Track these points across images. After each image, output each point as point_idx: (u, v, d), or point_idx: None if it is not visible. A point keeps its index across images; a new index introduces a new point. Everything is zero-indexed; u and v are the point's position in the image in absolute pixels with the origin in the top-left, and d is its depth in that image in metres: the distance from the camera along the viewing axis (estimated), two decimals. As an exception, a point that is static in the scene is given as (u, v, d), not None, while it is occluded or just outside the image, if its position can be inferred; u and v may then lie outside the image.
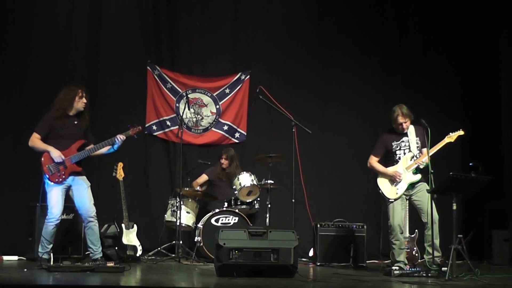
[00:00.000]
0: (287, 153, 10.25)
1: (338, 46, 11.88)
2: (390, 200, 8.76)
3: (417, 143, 8.80)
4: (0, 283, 7.06)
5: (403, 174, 8.69)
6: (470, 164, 8.56)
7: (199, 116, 11.39)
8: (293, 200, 10.06)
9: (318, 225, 10.21)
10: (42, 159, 8.36)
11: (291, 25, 11.84)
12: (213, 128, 11.45)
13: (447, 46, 12.01)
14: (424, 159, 8.57)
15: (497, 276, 8.36)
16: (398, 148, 8.80)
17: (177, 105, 11.26)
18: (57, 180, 8.36)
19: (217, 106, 11.44)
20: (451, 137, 8.73)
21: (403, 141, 8.83)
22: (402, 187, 8.73)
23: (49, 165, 8.34)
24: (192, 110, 11.28)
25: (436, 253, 8.54)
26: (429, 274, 8.15)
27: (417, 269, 8.43)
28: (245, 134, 11.52)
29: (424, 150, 8.66)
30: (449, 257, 7.89)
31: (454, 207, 8.14)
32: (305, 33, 11.87)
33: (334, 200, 11.56)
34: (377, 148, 9.01)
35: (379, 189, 8.88)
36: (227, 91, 11.47)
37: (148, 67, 11.24)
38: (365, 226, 10.28)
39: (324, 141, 11.64)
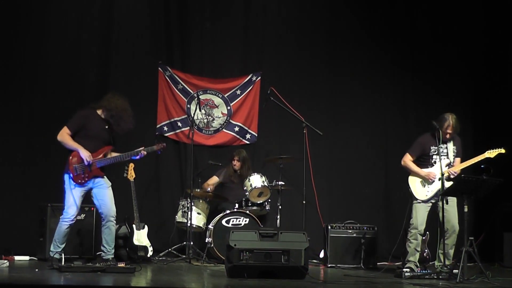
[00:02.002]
0: (298, 155, 10.26)
1: (349, 47, 11.87)
2: (418, 201, 8.77)
3: (454, 151, 8.85)
4: (12, 283, 7.11)
5: (437, 177, 8.68)
6: (482, 166, 8.57)
7: (210, 117, 11.39)
8: (304, 202, 10.05)
9: (329, 227, 10.21)
10: (71, 157, 8.37)
11: (302, 27, 11.84)
12: (224, 129, 11.45)
13: (459, 47, 11.97)
14: (457, 170, 8.67)
15: (508, 279, 8.33)
16: (436, 153, 8.77)
17: (188, 106, 11.28)
18: (80, 181, 8.38)
19: (228, 107, 11.44)
20: (491, 153, 8.77)
21: (441, 147, 8.81)
22: (433, 190, 8.76)
23: (76, 165, 8.35)
24: (203, 111, 11.28)
25: (446, 262, 8.57)
26: (440, 277, 8.15)
27: (428, 271, 8.43)
28: (256, 135, 11.51)
29: (458, 159, 8.82)
30: (460, 260, 7.88)
31: (466, 209, 8.14)
32: (316, 34, 11.87)
33: (345, 201, 11.54)
34: (415, 148, 9.00)
35: (409, 187, 8.90)
36: (238, 92, 11.47)
37: (159, 68, 11.25)
38: (375, 228, 10.27)
39: (335, 142, 11.63)
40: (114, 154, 8.65)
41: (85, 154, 8.32)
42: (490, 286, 7.71)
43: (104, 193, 8.54)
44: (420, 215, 8.76)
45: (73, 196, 8.40)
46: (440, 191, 8.57)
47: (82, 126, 8.46)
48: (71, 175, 8.35)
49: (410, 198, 8.95)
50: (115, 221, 8.61)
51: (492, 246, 10.87)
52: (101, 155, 8.47)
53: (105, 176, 8.61)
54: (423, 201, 8.77)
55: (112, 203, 8.57)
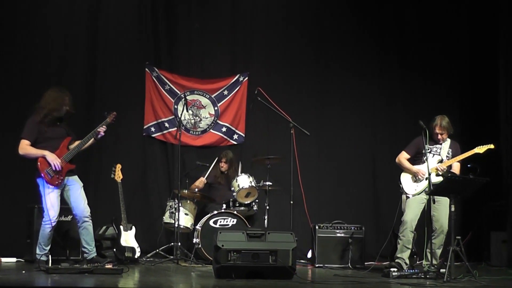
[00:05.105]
0: (285, 155, 10.25)
1: (336, 47, 11.89)
2: (407, 195, 8.87)
3: (447, 153, 8.96)
4: (-2, 285, 7.07)
5: (426, 174, 8.70)
6: (469, 165, 8.61)
7: (197, 117, 11.38)
8: (292, 202, 10.05)
9: (317, 227, 10.22)
10: (39, 164, 8.32)
11: (289, 27, 11.84)
12: (211, 130, 11.44)
13: (446, 45, 12.02)
14: (446, 167, 8.78)
15: (495, 278, 8.37)
16: (429, 151, 8.86)
17: (176, 106, 11.26)
18: (57, 182, 8.36)
19: (216, 108, 11.44)
20: (481, 148, 8.83)
21: (435, 147, 8.96)
22: (422, 185, 8.86)
23: (46, 170, 8.31)
24: (190, 111, 11.27)
25: (434, 261, 8.60)
26: (428, 276, 8.17)
27: (415, 270, 8.44)
28: (244, 135, 11.51)
29: (451, 160, 8.87)
30: (448, 259, 7.90)
31: (452, 209, 8.18)
32: (303, 34, 11.87)
33: (333, 201, 11.55)
34: (410, 147, 9.17)
35: (400, 183, 9.02)
36: (226, 92, 11.47)
37: (146, 69, 11.22)
38: (363, 228, 10.28)
39: (322, 142, 11.64)
40: (76, 143, 8.61)
41: (51, 158, 8.31)
42: (477, 285, 7.73)
43: (77, 195, 8.53)
44: (411, 212, 8.81)
45: (51, 199, 8.37)
46: (428, 190, 8.62)
47: (38, 131, 8.43)
48: (46, 180, 8.33)
49: (401, 196, 9.01)
50: (90, 221, 8.57)
51: (479, 245, 10.93)
52: (64, 149, 8.46)
53: (76, 176, 8.60)
54: (413, 196, 8.83)
55: (85, 203, 8.55)
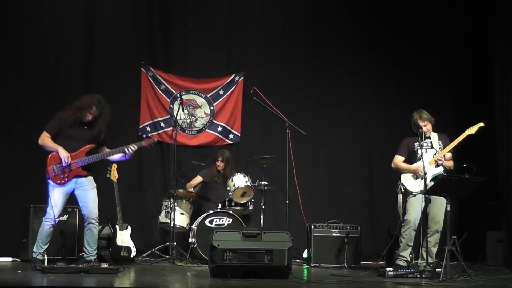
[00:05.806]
0: (281, 154, 10.26)
1: (332, 46, 11.91)
2: (413, 194, 8.81)
3: (439, 145, 8.94)
4: (-6, 285, 7.05)
5: (426, 169, 8.72)
6: (464, 165, 8.60)
7: (193, 117, 11.38)
8: (287, 201, 10.07)
9: (312, 226, 10.22)
10: (48, 158, 8.30)
11: (285, 26, 11.85)
12: (207, 129, 11.44)
13: (442, 43, 12.05)
14: (442, 156, 8.76)
15: (491, 277, 8.37)
16: (420, 147, 8.86)
17: (171, 106, 11.26)
18: (59, 181, 8.31)
19: (211, 107, 11.44)
20: (472, 129, 8.80)
21: (425, 142, 8.94)
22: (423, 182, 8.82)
23: (53, 166, 8.28)
24: (186, 111, 11.26)
25: (429, 260, 8.59)
26: (423, 275, 8.17)
27: (411, 270, 8.44)
28: (239, 135, 11.51)
29: (449, 154, 8.86)
30: (443, 258, 7.90)
31: (448, 208, 8.18)
32: (299, 34, 11.89)
33: (328, 201, 11.56)
34: (401, 149, 9.14)
35: (402, 184, 8.95)
36: (221, 92, 11.46)
37: (142, 69, 11.22)
38: (359, 227, 10.28)
39: (318, 142, 11.65)
40: (101, 152, 8.59)
41: (63, 154, 8.27)
42: (473, 285, 7.72)
43: (86, 195, 8.48)
44: (414, 211, 8.78)
45: (55, 197, 8.34)
46: (427, 187, 8.62)
47: (60, 127, 8.40)
48: (49, 175, 8.31)
49: (397, 195, 8.99)
50: (97, 223, 8.54)
51: (475, 245, 10.93)
52: (82, 154, 8.42)
53: (90, 176, 8.53)
54: (418, 193, 8.80)
55: (95, 205, 8.51)
